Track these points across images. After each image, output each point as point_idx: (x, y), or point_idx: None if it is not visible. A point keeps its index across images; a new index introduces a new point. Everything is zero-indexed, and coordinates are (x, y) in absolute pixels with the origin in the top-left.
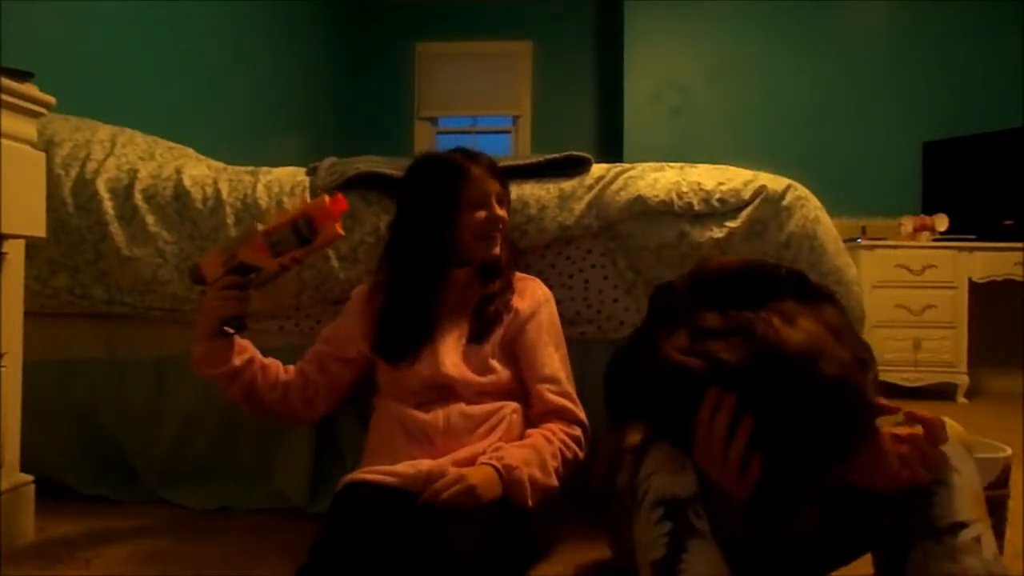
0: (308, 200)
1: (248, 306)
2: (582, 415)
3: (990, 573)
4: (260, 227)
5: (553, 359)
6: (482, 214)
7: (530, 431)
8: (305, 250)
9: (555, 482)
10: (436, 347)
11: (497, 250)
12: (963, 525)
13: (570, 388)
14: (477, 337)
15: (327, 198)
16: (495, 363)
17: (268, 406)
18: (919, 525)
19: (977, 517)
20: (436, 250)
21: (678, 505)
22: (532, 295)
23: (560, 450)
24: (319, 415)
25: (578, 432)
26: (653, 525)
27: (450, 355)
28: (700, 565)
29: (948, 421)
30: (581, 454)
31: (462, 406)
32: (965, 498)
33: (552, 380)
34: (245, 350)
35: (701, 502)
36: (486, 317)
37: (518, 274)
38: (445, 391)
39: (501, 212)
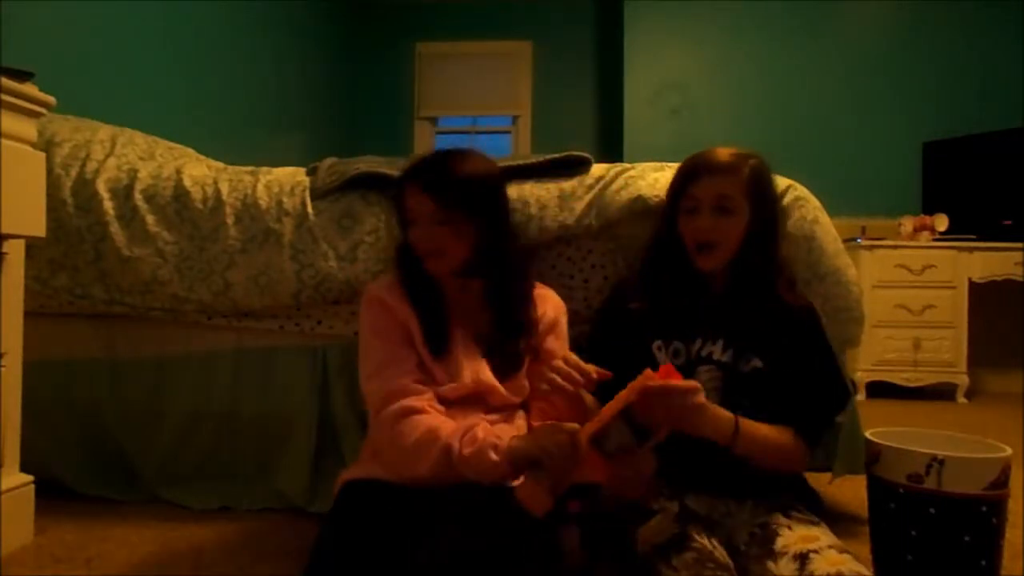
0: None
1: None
2: None
3: None
4: (580, 432)
5: None
6: (414, 232)
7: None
8: (647, 444)
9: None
10: (465, 357)
11: (441, 267)
12: None
13: None
14: (499, 350)
15: (651, 375)
16: (525, 382)
17: None
18: None
19: None
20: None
21: None
22: (554, 304)
23: None
24: None
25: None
26: None
27: (477, 365)
28: None
29: None
30: None
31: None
32: None
33: None
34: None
35: None
36: (503, 332)
37: (537, 283)
38: (474, 401)
39: (432, 230)
